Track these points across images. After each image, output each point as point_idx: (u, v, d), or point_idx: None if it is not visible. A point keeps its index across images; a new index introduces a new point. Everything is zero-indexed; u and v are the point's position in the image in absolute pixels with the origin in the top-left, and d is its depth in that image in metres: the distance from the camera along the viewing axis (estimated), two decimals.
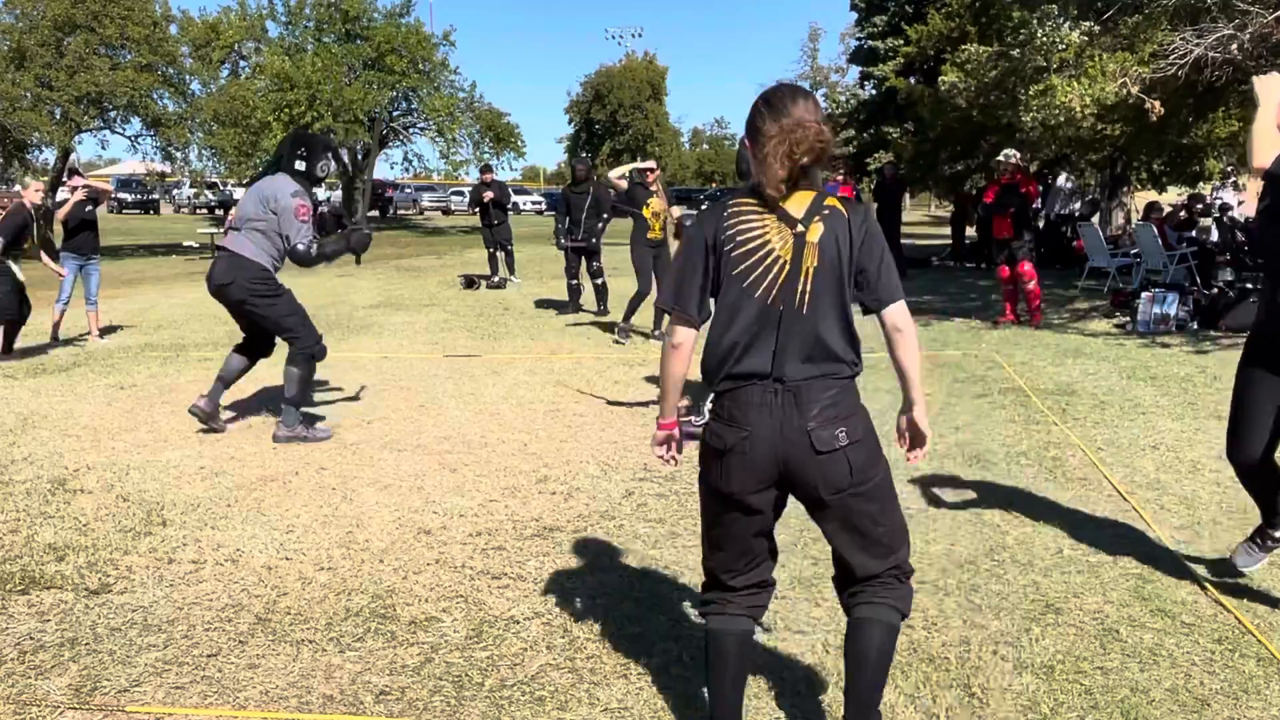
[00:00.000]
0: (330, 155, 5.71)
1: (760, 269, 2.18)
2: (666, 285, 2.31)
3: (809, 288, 2.17)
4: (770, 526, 2.36)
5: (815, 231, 2.18)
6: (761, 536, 2.35)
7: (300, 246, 5.42)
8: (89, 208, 9.34)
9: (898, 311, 2.27)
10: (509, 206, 15.01)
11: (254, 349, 5.87)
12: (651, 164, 9.58)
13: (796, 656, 3.00)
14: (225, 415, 6.06)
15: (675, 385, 2.33)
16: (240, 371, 5.87)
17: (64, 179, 9.54)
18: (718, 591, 2.43)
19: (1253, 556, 3.40)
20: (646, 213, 9.23)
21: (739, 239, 2.20)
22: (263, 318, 5.58)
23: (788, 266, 2.17)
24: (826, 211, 2.20)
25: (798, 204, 2.20)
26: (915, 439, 2.47)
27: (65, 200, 9.34)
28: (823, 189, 2.25)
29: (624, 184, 9.40)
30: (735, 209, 2.23)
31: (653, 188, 9.29)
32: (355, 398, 6.84)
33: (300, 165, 5.55)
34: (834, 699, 2.75)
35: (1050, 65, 10.24)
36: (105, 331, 9.67)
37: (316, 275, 5.49)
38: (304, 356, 5.64)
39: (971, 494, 4.58)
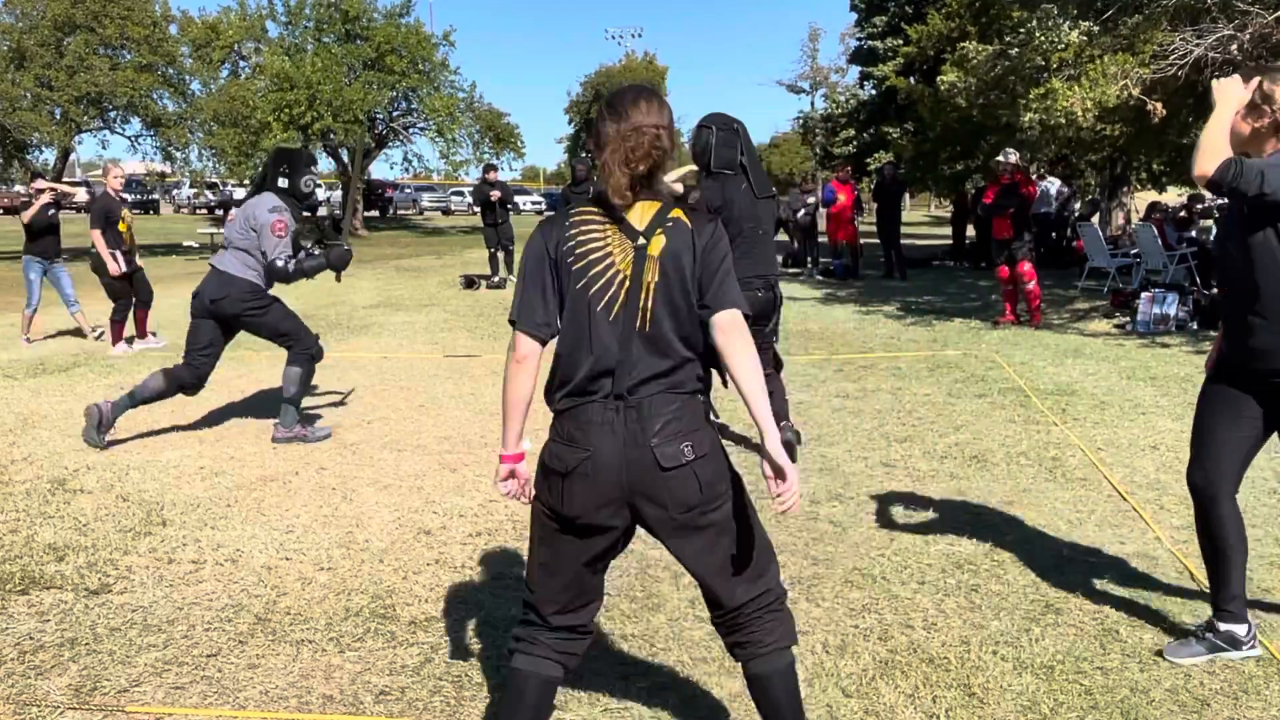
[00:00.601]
0: (314, 171, 5.72)
1: (601, 282, 2.10)
2: (514, 300, 2.19)
3: (650, 303, 2.10)
4: (604, 561, 2.25)
5: (657, 245, 2.11)
6: (593, 570, 2.24)
7: (279, 263, 5.43)
8: (52, 210, 9.34)
9: (727, 318, 2.11)
10: (510, 206, 15.03)
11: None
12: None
13: (797, 656, 3.00)
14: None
15: (518, 409, 2.18)
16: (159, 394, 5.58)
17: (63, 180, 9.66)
18: (532, 628, 2.27)
19: (1187, 648, 2.95)
20: None
21: (579, 251, 2.12)
22: (259, 327, 5.62)
23: (628, 281, 2.10)
24: (670, 223, 2.14)
25: (640, 215, 2.14)
26: (779, 475, 2.07)
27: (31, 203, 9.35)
28: (668, 200, 2.19)
29: (680, 188, 9.15)
30: (577, 218, 2.15)
31: None
32: (347, 399, 6.84)
33: (283, 182, 5.58)
34: (835, 699, 2.75)
35: (1050, 65, 10.24)
36: (96, 327, 9.68)
37: (314, 277, 5.60)
38: (305, 357, 5.67)
39: (971, 494, 4.58)
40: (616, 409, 2.09)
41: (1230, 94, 2.76)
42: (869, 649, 3.04)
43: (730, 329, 2.11)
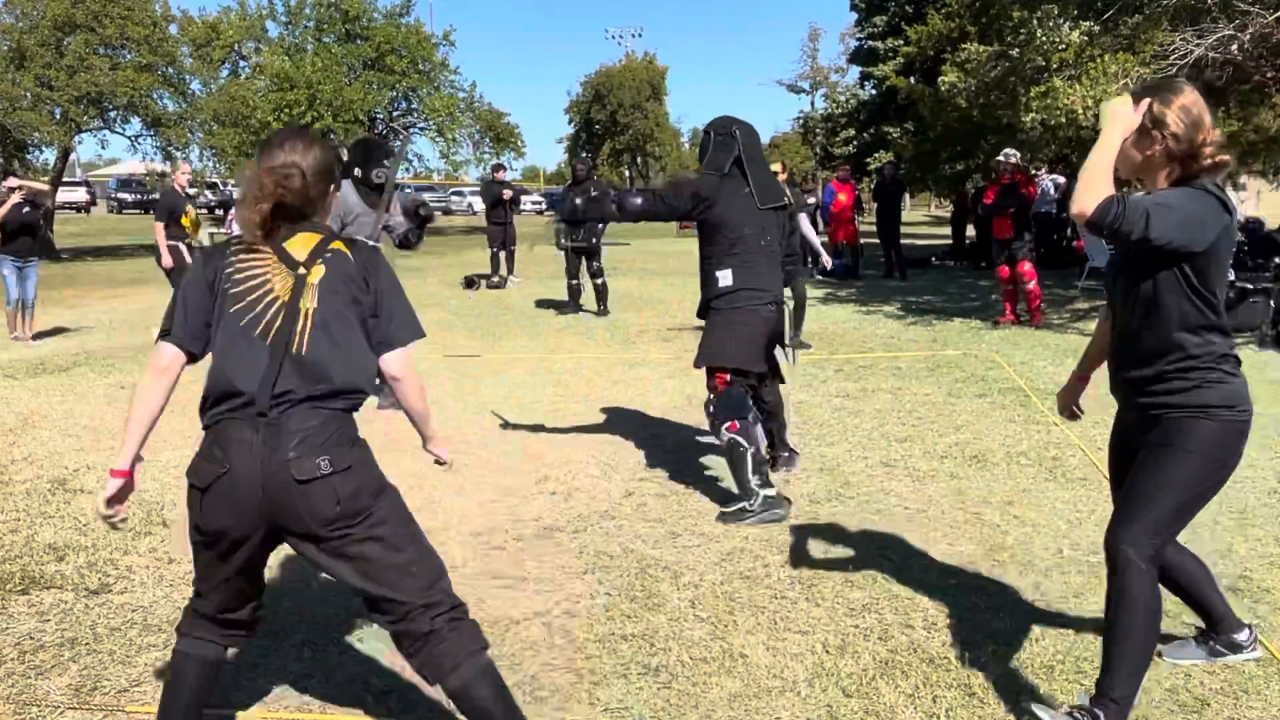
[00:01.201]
0: (388, 161, 5.97)
1: (259, 308, 2.18)
2: (167, 312, 2.25)
3: (307, 327, 2.18)
4: (256, 568, 2.30)
5: (316, 273, 2.22)
6: (245, 576, 2.29)
7: None
8: (26, 209, 9.33)
9: (395, 359, 2.30)
10: (517, 206, 15.05)
11: None
12: (776, 166, 8.80)
13: (797, 656, 3.00)
14: None
15: (145, 423, 2.22)
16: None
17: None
18: (196, 616, 2.36)
19: (1185, 650, 2.94)
20: None
21: (236, 277, 2.20)
22: None
23: (285, 306, 2.18)
24: (330, 254, 2.24)
25: (301, 246, 2.24)
26: (439, 461, 2.63)
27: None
28: (330, 232, 2.30)
29: None
30: (239, 248, 2.24)
31: None
32: None
33: (358, 172, 5.88)
34: (835, 699, 2.75)
35: (1050, 65, 10.25)
36: (39, 336, 9.62)
37: None
38: None
39: (971, 494, 4.58)
40: (256, 427, 2.13)
41: (1118, 117, 2.43)
42: (869, 649, 3.04)
43: (399, 368, 2.31)
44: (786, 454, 4.96)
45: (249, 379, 2.14)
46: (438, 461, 2.60)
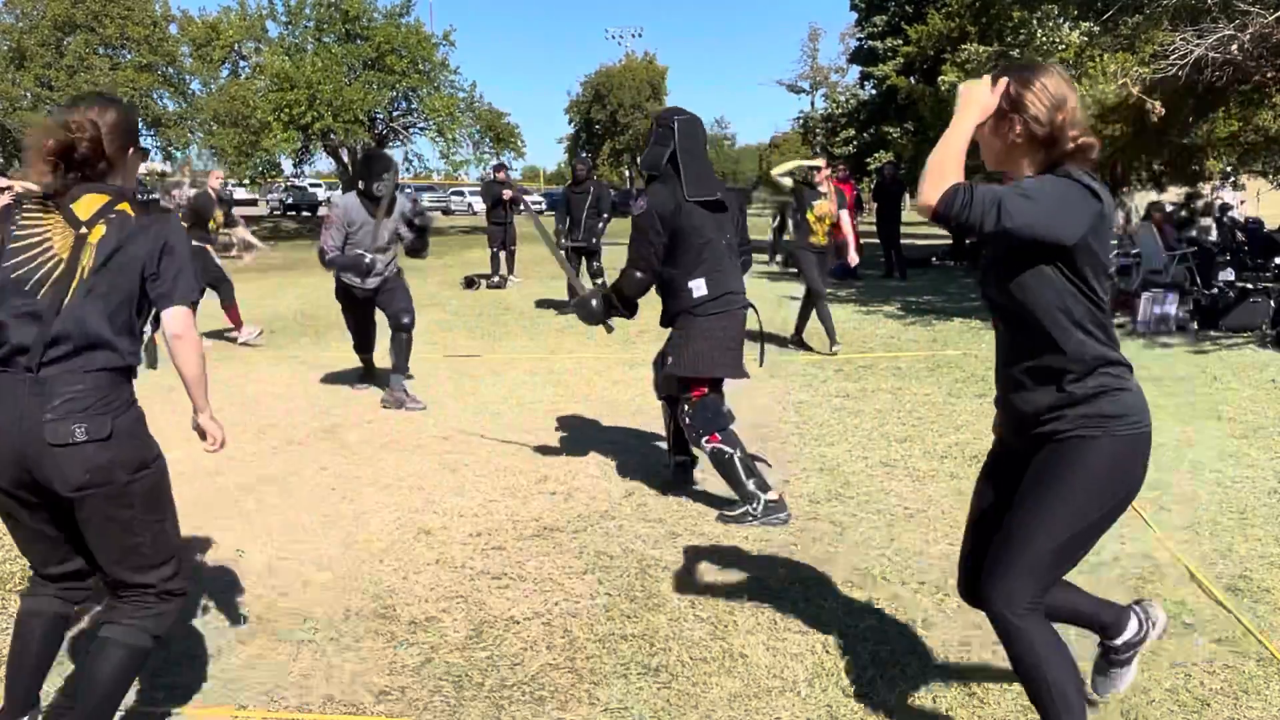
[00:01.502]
0: (388, 174, 6.27)
1: (34, 264, 2.22)
2: None
3: (80, 286, 2.21)
4: (55, 525, 2.31)
5: (97, 233, 2.24)
6: (49, 530, 2.32)
7: (322, 252, 6.28)
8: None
9: (173, 316, 2.31)
10: (520, 206, 15.03)
11: (391, 334, 6.84)
12: (820, 162, 8.87)
13: (797, 656, 3.00)
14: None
15: None
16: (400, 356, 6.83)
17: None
18: (34, 582, 2.43)
19: (1113, 679, 2.59)
20: (810, 216, 8.46)
21: (18, 234, 2.25)
22: None
23: (63, 264, 2.22)
24: (114, 216, 2.26)
25: (86, 206, 2.27)
26: (207, 435, 2.58)
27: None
28: (120, 194, 2.30)
29: (789, 182, 8.70)
30: (28, 207, 2.28)
31: (821, 188, 8.52)
32: (355, 388, 6.84)
33: (362, 184, 6.27)
34: (835, 699, 2.75)
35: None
36: None
37: (320, 275, 6.19)
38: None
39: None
40: (24, 381, 2.18)
41: (973, 100, 2.19)
42: (869, 649, 3.04)
43: (178, 326, 2.31)
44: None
45: (21, 334, 2.18)
46: (202, 436, 2.56)
